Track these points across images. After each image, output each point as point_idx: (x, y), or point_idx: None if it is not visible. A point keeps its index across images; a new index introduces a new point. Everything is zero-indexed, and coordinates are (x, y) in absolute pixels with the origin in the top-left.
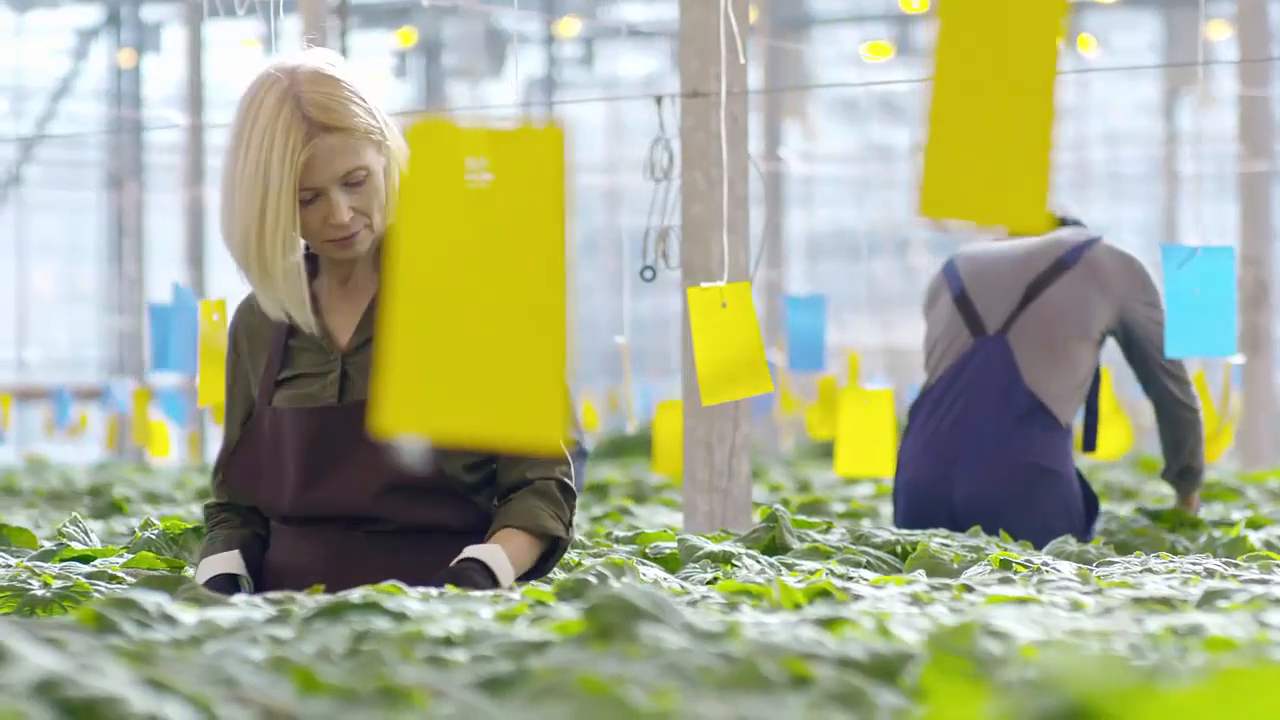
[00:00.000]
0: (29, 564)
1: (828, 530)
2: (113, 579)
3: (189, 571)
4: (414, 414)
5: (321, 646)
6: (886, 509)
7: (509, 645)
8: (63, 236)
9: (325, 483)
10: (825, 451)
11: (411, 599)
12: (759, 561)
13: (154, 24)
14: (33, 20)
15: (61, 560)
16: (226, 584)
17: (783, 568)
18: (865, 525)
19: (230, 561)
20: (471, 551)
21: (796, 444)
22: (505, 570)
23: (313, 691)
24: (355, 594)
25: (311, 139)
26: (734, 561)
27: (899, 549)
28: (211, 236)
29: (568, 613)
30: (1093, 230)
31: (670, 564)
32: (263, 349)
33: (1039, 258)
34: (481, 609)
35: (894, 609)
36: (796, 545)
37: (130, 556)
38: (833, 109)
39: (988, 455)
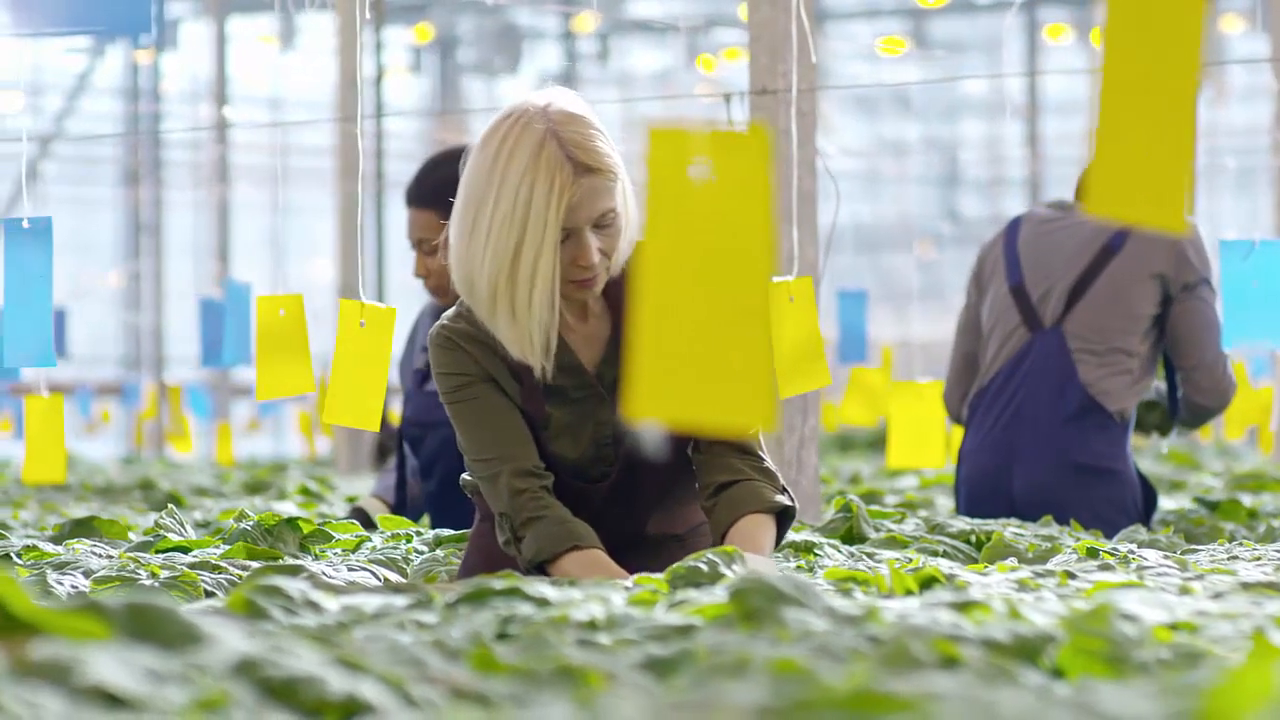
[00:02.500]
0: (131, 554)
1: (902, 520)
2: (215, 569)
3: (296, 563)
4: (659, 402)
5: (470, 631)
6: (939, 499)
7: (653, 629)
8: (79, 233)
9: (597, 523)
10: (844, 444)
11: (546, 584)
12: (840, 551)
13: (171, 20)
14: None
15: (158, 551)
16: None
17: (864, 556)
18: (928, 515)
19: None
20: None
21: None
22: (773, 567)
23: (491, 672)
24: (496, 580)
25: (578, 179)
26: (816, 551)
27: (973, 538)
28: (236, 233)
29: (706, 598)
30: None
31: None
32: (515, 374)
33: (1087, 246)
34: (613, 595)
35: (1004, 594)
36: (873, 535)
37: (227, 548)
38: (846, 103)
39: (1044, 454)
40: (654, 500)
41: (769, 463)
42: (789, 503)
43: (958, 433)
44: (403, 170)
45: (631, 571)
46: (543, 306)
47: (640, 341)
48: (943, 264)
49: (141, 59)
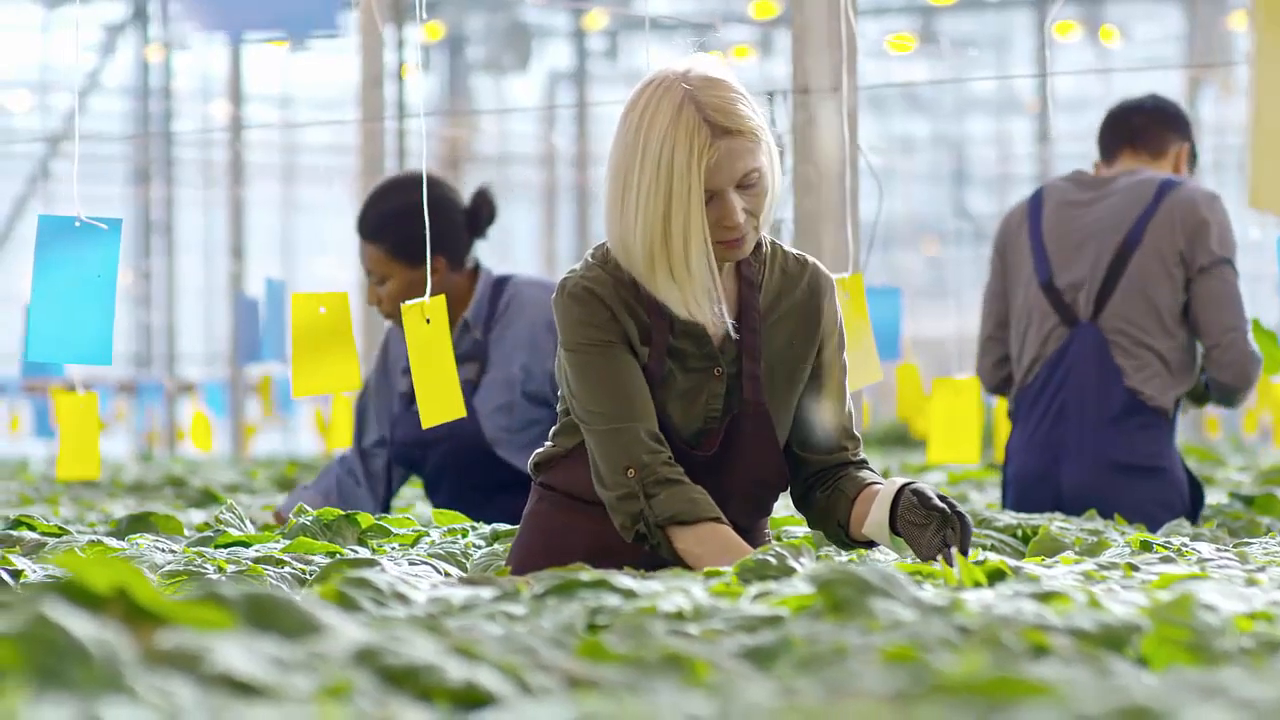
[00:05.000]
0: (195, 549)
1: None
2: (279, 563)
3: (347, 553)
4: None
5: (560, 622)
6: (972, 494)
7: (741, 620)
8: None
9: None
10: None
11: (627, 577)
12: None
13: (181, 19)
14: (60, 16)
15: (219, 546)
16: None
17: None
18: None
19: None
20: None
21: None
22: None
23: (599, 660)
24: (582, 573)
25: (716, 141)
26: None
27: (1019, 532)
28: (251, 231)
29: (789, 589)
30: (1163, 172)
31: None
32: (644, 334)
33: (1110, 240)
34: (693, 586)
35: (1060, 586)
36: None
37: (288, 542)
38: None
39: (1090, 454)
40: (742, 485)
41: (862, 451)
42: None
43: (996, 429)
44: (411, 167)
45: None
46: (700, 265)
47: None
48: (951, 261)
49: (152, 57)
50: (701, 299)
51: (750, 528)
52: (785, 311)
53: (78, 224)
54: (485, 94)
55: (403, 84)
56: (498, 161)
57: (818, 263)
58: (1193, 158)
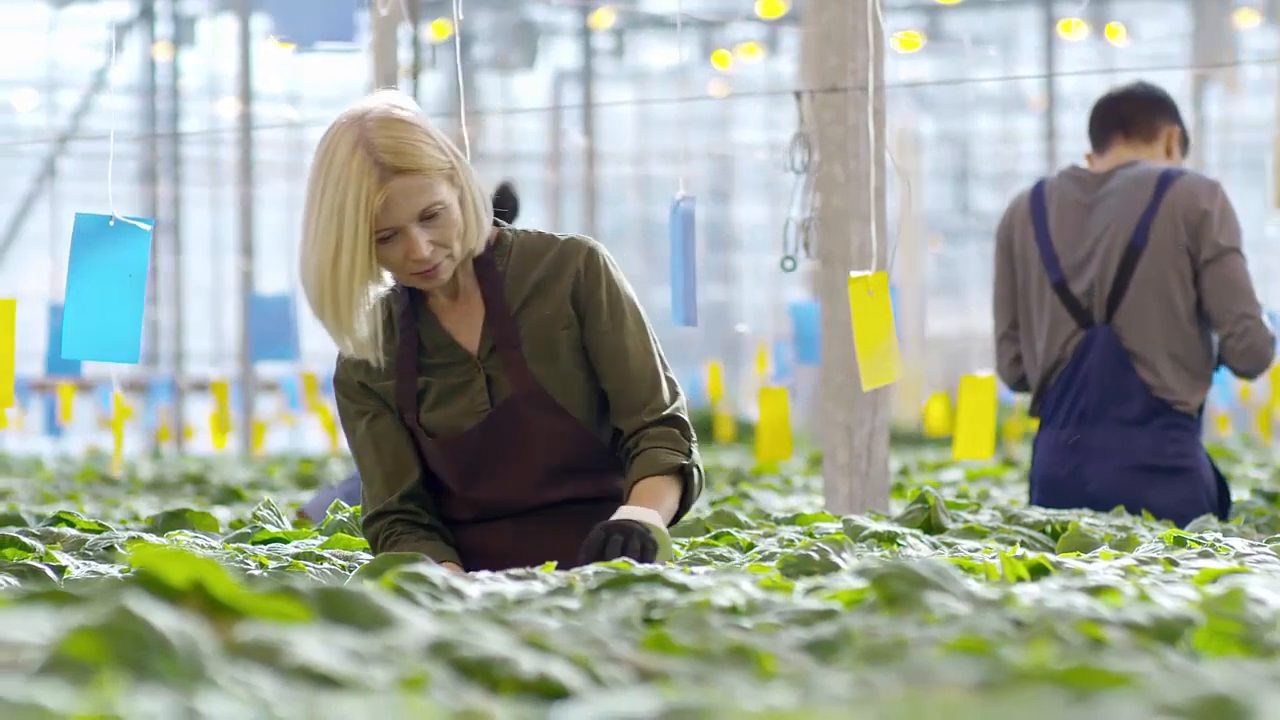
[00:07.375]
0: (235, 545)
1: (977, 511)
2: (319, 559)
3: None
4: None
5: (616, 616)
6: (993, 491)
7: (795, 614)
8: None
9: (491, 484)
10: None
11: (678, 571)
12: (922, 541)
13: (189, 18)
14: (68, 15)
15: (256, 543)
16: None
17: (945, 546)
18: (1000, 506)
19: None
20: (624, 514)
21: None
22: (658, 521)
23: (666, 652)
24: (637, 567)
25: (386, 182)
26: (899, 541)
27: (1049, 528)
28: (259, 230)
29: (841, 584)
30: (1162, 162)
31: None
32: (388, 374)
33: (1118, 236)
34: (742, 581)
35: (1109, 580)
36: (951, 525)
37: (325, 539)
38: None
39: (1115, 457)
40: (541, 463)
41: (678, 411)
42: (683, 462)
43: (1007, 427)
44: None
45: (549, 539)
46: (361, 306)
47: None
48: (957, 259)
49: (159, 55)
50: (362, 340)
51: (572, 498)
52: (534, 287)
53: (111, 223)
54: (491, 92)
55: (417, 83)
56: (504, 160)
57: (576, 237)
58: (1184, 140)
